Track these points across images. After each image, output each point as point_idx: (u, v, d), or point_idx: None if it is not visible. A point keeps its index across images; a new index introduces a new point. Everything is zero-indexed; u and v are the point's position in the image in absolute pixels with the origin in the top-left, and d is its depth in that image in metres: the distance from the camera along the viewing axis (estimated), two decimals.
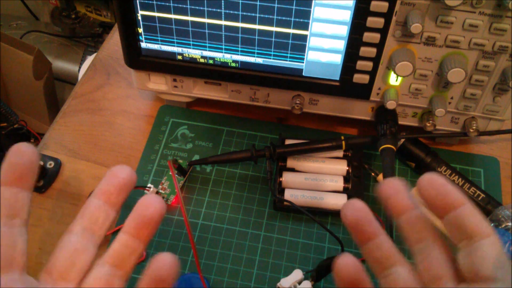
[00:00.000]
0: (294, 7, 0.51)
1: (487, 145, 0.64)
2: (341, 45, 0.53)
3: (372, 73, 0.55)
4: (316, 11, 0.51)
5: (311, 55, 0.55)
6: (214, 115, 0.66)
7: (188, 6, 0.53)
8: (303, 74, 0.57)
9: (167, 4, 0.53)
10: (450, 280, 0.32)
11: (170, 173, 0.58)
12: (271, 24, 0.53)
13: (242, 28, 0.53)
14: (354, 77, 0.55)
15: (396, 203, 0.36)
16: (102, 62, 0.73)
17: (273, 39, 0.54)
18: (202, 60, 0.58)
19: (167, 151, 0.63)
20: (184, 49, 0.57)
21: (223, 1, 0.51)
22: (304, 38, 0.53)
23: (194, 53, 0.57)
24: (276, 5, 0.51)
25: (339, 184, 0.58)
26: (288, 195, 0.57)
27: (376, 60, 0.53)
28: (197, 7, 0.52)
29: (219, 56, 0.57)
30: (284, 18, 0.52)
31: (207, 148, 0.63)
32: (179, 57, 0.58)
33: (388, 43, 0.52)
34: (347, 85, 0.56)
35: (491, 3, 0.47)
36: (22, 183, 0.34)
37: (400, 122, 0.60)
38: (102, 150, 0.63)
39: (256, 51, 0.55)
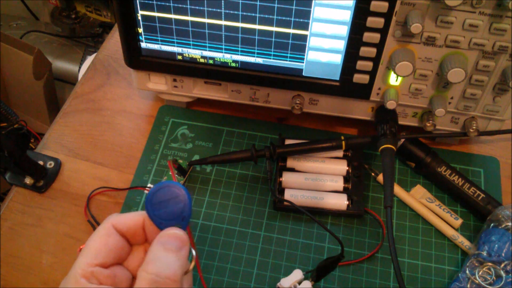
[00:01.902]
0: (294, 7, 0.51)
1: (487, 145, 0.64)
2: (341, 45, 0.53)
3: (372, 73, 0.55)
4: (316, 11, 0.51)
5: (311, 55, 0.55)
6: (214, 115, 0.66)
7: (188, 6, 0.53)
8: (303, 74, 0.57)
9: (167, 4, 0.53)
10: None
11: (170, 173, 0.58)
12: (271, 24, 0.53)
13: (242, 28, 0.53)
14: (354, 77, 0.55)
15: None
16: (102, 62, 0.73)
17: (273, 39, 0.54)
18: (202, 60, 0.58)
19: (167, 151, 0.63)
20: (184, 49, 0.57)
21: (223, 1, 0.51)
22: (304, 38, 0.53)
23: (194, 53, 0.57)
24: (276, 5, 0.51)
25: (339, 184, 0.58)
26: (288, 195, 0.57)
27: (376, 60, 0.53)
28: (197, 7, 0.52)
29: (219, 56, 0.57)
30: (284, 18, 0.52)
31: (207, 148, 0.63)
32: (179, 57, 0.58)
33: (388, 43, 0.52)
34: (347, 85, 0.56)
35: (491, 3, 0.47)
36: None
37: (400, 122, 0.60)
38: (102, 150, 0.63)
39: (256, 51, 0.55)
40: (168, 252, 0.36)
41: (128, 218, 0.38)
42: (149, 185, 0.58)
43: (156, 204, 0.39)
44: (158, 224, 0.39)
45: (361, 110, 0.60)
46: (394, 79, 0.56)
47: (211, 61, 0.58)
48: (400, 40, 0.52)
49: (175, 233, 0.37)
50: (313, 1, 0.50)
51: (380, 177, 0.60)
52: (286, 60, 0.56)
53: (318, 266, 0.51)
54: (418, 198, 0.59)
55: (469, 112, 0.58)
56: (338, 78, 0.56)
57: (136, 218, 0.39)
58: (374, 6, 0.49)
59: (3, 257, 0.55)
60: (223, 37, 0.55)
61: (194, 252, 0.39)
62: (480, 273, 0.52)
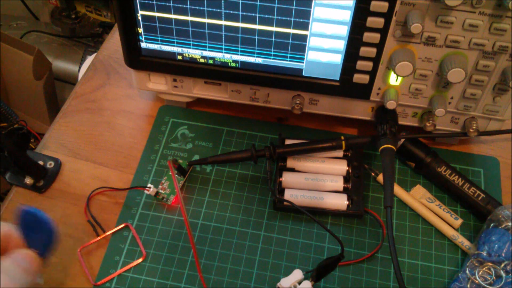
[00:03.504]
0: (294, 7, 0.51)
1: (487, 145, 0.64)
2: (341, 45, 0.53)
3: (372, 73, 0.55)
4: (316, 11, 0.51)
5: (311, 55, 0.55)
6: (214, 115, 0.66)
7: (188, 6, 0.53)
8: (303, 74, 0.57)
9: (167, 4, 0.53)
10: None
11: (170, 173, 0.58)
12: (271, 24, 0.53)
13: (242, 28, 0.53)
14: (354, 77, 0.55)
15: None
16: (102, 62, 0.73)
17: (273, 39, 0.54)
18: (202, 60, 0.58)
19: (167, 151, 0.63)
20: (184, 49, 0.57)
21: (223, 1, 0.51)
22: (304, 38, 0.53)
23: (194, 53, 0.57)
24: (276, 5, 0.51)
25: (339, 184, 0.58)
26: (288, 195, 0.57)
27: (376, 60, 0.53)
28: (197, 7, 0.52)
29: (219, 56, 0.57)
30: (284, 18, 0.52)
31: (207, 148, 0.63)
32: (179, 57, 0.58)
33: (388, 43, 0.52)
34: (347, 85, 0.56)
35: (491, 3, 0.47)
36: None
37: (400, 122, 0.60)
38: (102, 150, 0.63)
39: (256, 51, 0.55)
40: (16, 266, 0.41)
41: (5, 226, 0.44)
42: (149, 185, 0.58)
43: (27, 225, 0.45)
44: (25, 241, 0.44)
45: (361, 110, 0.60)
46: (394, 79, 0.56)
47: (211, 61, 0.58)
48: (400, 40, 0.52)
49: (27, 253, 0.42)
50: (313, 1, 0.50)
51: (380, 177, 0.60)
52: (286, 60, 0.56)
53: (318, 266, 0.51)
54: (418, 198, 0.59)
55: (469, 112, 0.58)
56: (338, 78, 0.56)
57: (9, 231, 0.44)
58: (374, 6, 0.49)
59: None
60: (223, 37, 0.55)
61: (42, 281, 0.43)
62: (480, 273, 0.52)
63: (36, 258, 0.43)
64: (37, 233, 0.45)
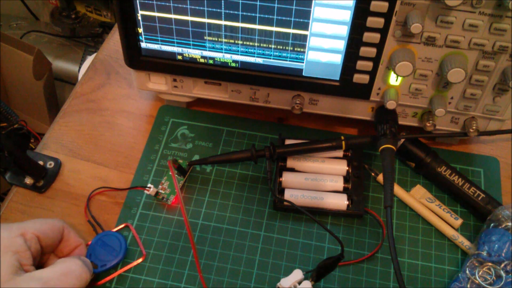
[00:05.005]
0: (294, 7, 0.51)
1: (487, 145, 0.64)
2: (341, 45, 0.53)
3: (372, 73, 0.55)
4: (316, 11, 0.51)
5: (311, 55, 0.55)
6: (214, 115, 0.66)
7: (188, 6, 0.53)
8: (303, 74, 0.57)
9: (167, 4, 0.53)
10: None
11: (170, 173, 0.58)
12: (271, 24, 0.53)
13: (242, 28, 0.53)
14: (354, 77, 0.55)
15: None
16: (102, 62, 0.73)
17: (273, 39, 0.54)
18: (202, 60, 0.58)
19: (167, 151, 0.63)
20: (184, 49, 0.57)
21: (223, 1, 0.51)
22: (304, 38, 0.53)
23: (194, 53, 0.57)
24: (276, 5, 0.51)
25: (339, 184, 0.58)
26: (288, 195, 0.57)
27: (376, 60, 0.53)
28: (197, 7, 0.52)
29: (219, 56, 0.57)
30: (284, 18, 0.52)
31: (207, 148, 0.63)
32: (179, 57, 0.58)
33: (388, 43, 0.52)
34: (347, 85, 0.56)
35: (491, 3, 0.47)
36: None
37: (400, 122, 0.60)
38: (102, 150, 0.63)
39: (256, 51, 0.55)
40: (83, 267, 0.48)
41: (73, 234, 0.52)
42: (149, 185, 0.58)
43: (102, 242, 0.54)
44: (88, 251, 0.53)
45: (361, 110, 0.60)
46: (394, 79, 0.56)
47: (211, 61, 0.58)
48: (400, 40, 0.52)
49: (89, 263, 0.51)
50: (313, 1, 0.50)
51: (380, 177, 0.60)
52: (286, 60, 0.56)
53: (318, 266, 0.51)
54: (418, 198, 0.59)
55: (469, 112, 0.58)
56: (338, 78, 0.56)
57: (77, 239, 0.52)
58: (374, 6, 0.49)
59: None
60: (223, 37, 0.55)
61: None
62: (480, 273, 0.52)
63: (90, 269, 0.50)
64: (107, 253, 0.53)
